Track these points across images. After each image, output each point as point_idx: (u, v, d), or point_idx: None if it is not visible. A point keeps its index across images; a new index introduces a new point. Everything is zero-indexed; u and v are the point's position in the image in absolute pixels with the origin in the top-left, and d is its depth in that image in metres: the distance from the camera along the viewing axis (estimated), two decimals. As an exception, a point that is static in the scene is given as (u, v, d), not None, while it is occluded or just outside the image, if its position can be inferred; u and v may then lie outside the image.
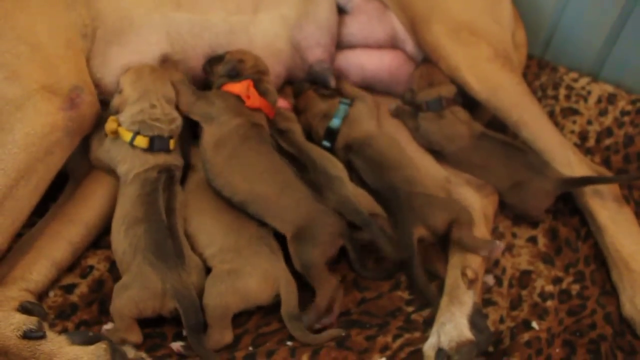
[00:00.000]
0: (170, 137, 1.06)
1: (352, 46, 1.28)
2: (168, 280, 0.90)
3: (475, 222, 1.10)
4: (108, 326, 0.93)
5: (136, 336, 0.91)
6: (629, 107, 1.34)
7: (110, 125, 1.04)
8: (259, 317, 0.98)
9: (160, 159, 1.04)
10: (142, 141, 1.03)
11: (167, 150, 1.06)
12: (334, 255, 0.98)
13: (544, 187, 1.09)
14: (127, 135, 1.04)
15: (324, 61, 1.22)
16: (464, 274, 1.01)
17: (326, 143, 1.17)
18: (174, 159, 1.06)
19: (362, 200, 1.01)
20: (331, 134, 1.16)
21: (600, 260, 1.09)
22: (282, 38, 1.22)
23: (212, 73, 1.13)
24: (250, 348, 0.94)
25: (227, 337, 0.93)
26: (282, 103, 1.20)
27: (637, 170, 1.24)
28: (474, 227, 1.04)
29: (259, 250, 0.96)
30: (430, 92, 1.20)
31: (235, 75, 1.10)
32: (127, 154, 1.04)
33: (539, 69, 1.45)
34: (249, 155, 1.01)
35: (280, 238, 1.01)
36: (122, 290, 0.91)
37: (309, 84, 1.25)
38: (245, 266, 0.93)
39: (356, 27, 1.27)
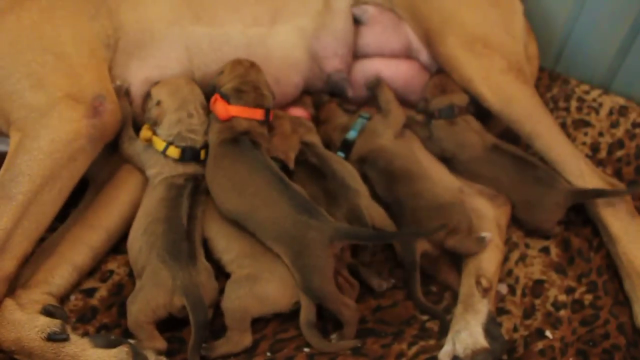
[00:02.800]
0: (202, 148, 1.07)
1: (367, 56, 1.28)
2: (178, 277, 0.90)
3: (489, 231, 1.10)
4: (132, 341, 0.92)
5: (160, 343, 0.92)
6: None
7: (145, 133, 1.07)
8: (276, 323, 0.98)
9: (190, 168, 1.07)
10: (174, 152, 1.06)
11: (198, 160, 1.08)
12: (341, 258, 0.97)
13: (554, 199, 1.09)
14: (160, 145, 1.06)
15: (341, 71, 1.23)
16: (478, 283, 1.01)
17: (341, 154, 1.17)
18: (203, 169, 1.08)
19: (375, 215, 1.01)
20: (346, 146, 1.17)
21: (612, 270, 1.09)
22: (300, 49, 1.22)
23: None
24: (268, 354, 0.94)
25: (247, 340, 0.93)
26: (302, 113, 1.21)
27: None
28: (490, 244, 1.05)
29: (275, 257, 0.96)
30: (442, 100, 1.20)
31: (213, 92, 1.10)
32: (158, 160, 1.06)
33: (551, 81, 1.45)
34: (228, 170, 1.01)
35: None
36: (135, 295, 0.91)
37: (328, 95, 1.26)
38: (263, 272, 0.94)
39: (372, 38, 1.27)
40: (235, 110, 1.06)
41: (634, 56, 1.39)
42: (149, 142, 1.08)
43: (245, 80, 1.09)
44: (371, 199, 1.05)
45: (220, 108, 1.07)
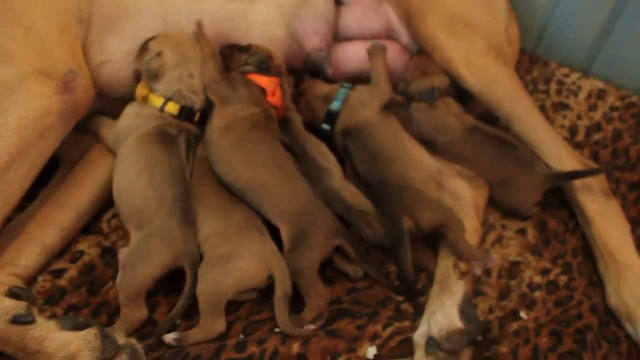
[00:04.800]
0: (198, 111, 1.06)
1: (348, 38, 1.25)
2: (188, 244, 0.89)
3: (467, 213, 1.09)
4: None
5: (145, 312, 0.89)
6: (618, 103, 1.34)
7: (141, 90, 1.04)
8: (250, 305, 0.96)
9: (183, 125, 1.04)
10: (173, 107, 1.04)
11: (192, 122, 1.06)
12: (329, 257, 0.96)
13: (532, 182, 1.08)
14: (158, 102, 1.04)
15: (321, 49, 1.20)
16: (456, 266, 0.99)
17: (326, 126, 1.15)
18: (194, 129, 1.06)
19: (350, 195, 1.00)
20: (331, 117, 1.15)
21: (587, 252, 1.09)
22: (280, 26, 1.19)
23: (233, 59, 1.12)
24: (242, 336, 0.92)
25: (221, 325, 0.90)
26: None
27: (624, 163, 1.24)
28: (467, 226, 1.03)
29: (248, 234, 0.94)
30: (423, 83, 1.18)
31: (265, 68, 1.10)
32: (152, 116, 1.03)
33: (531, 63, 1.44)
34: (255, 143, 1.00)
35: (272, 230, 0.98)
36: (141, 254, 0.88)
37: (308, 75, 1.24)
38: (236, 249, 0.91)
39: (352, 19, 1.25)
40: (281, 102, 1.08)
41: (613, 40, 1.39)
42: (145, 100, 1.05)
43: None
44: (344, 180, 1.03)
45: (279, 96, 1.08)
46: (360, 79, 1.22)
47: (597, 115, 1.31)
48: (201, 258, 0.94)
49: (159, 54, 1.04)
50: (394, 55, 1.23)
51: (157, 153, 0.97)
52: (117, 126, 1.05)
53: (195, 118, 1.06)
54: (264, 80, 1.08)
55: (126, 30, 1.08)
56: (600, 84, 1.36)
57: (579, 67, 1.43)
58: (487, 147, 1.13)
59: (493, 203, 1.15)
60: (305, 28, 1.18)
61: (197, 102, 1.06)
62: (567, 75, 1.39)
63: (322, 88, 1.18)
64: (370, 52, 1.19)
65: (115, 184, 0.98)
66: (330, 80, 1.21)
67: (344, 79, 1.23)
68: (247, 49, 1.12)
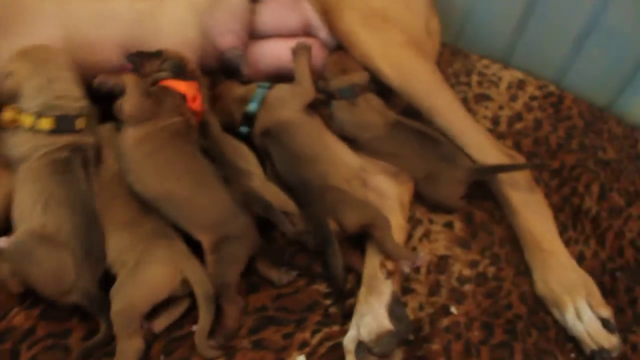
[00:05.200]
0: (77, 116, 0.95)
1: (265, 36, 1.21)
2: (82, 279, 0.84)
3: (391, 210, 1.07)
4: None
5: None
6: (537, 93, 1.36)
7: (7, 115, 0.93)
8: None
9: (69, 139, 0.94)
10: (46, 123, 0.93)
11: (73, 131, 0.95)
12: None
13: (456, 176, 1.08)
14: (28, 120, 0.93)
15: (236, 48, 1.14)
16: (383, 266, 0.97)
17: (244, 129, 1.11)
18: (85, 138, 0.96)
19: (271, 195, 0.97)
20: (249, 119, 1.11)
21: (514, 241, 1.09)
22: (192, 25, 1.14)
23: (144, 67, 1.06)
24: (162, 357, 0.86)
25: (136, 344, 0.84)
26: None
27: (545, 153, 1.25)
28: (393, 223, 1.02)
29: (154, 242, 0.89)
30: (343, 80, 1.15)
31: (180, 73, 1.05)
32: (28, 139, 0.93)
33: (452, 56, 1.43)
34: (173, 154, 0.96)
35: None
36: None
37: (224, 76, 1.19)
38: (142, 258, 0.86)
39: (268, 15, 1.20)
40: (202, 107, 1.04)
41: (530, 32, 1.41)
42: (14, 123, 0.94)
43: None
44: (266, 180, 1.00)
45: (199, 100, 1.03)
46: (279, 78, 1.18)
47: (518, 105, 1.31)
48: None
49: (9, 74, 0.95)
50: (314, 52, 1.19)
51: (50, 186, 0.89)
52: (7, 152, 0.96)
53: (76, 126, 0.95)
54: (182, 86, 1.03)
55: (21, 34, 0.99)
56: (519, 74, 1.37)
57: (498, 58, 1.44)
58: (411, 142, 1.12)
59: (419, 198, 1.14)
60: (219, 26, 1.13)
61: (72, 107, 0.96)
62: (487, 67, 1.39)
63: (238, 89, 1.14)
64: (295, 51, 1.16)
65: (13, 209, 0.91)
66: (246, 81, 1.18)
67: (262, 78, 1.19)
68: (157, 54, 1.07)
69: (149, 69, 1.06)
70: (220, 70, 1.17)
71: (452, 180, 1.09)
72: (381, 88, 1.18)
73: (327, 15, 1.18)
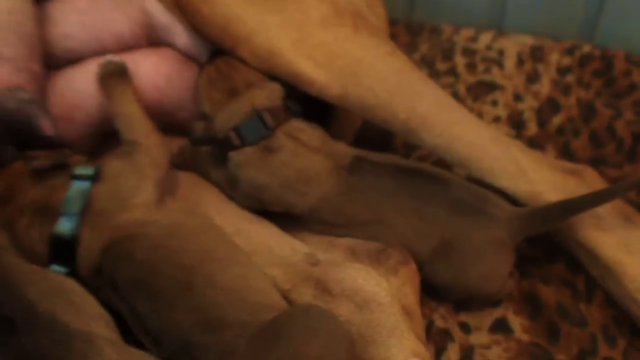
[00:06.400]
0: None
1: (74, 56, 1.01)
2: None
3: (392, 330, 0.81)
4: None
5: None
6: (567, 60, 1.20)
7: None
8: None
9: None
10: None
11: None
12: None
13: (493, 237, 0.88)
14: None
15: (20, 89, 0.92)
16: None
17: (58, 268, 0.85)
18: None
19: None
20: (63, 251, 0.85)
21: (630, 325, 0.86)
22: None
23: None
24: None
25: None
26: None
27: (617, 153, 1.06)
28: (399, 344, 0.79)
29: None
30: (234, 109, 0.94)
31: None
32: None
33: (412, 35, 1.31)
34: None
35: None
36: None
37: (13, 147, 0.95)
38: None
39: (74, 21, 0.99)
40: None
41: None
42: None
43: None
44: (123, 346, 0.77)
45: None
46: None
47: (545, 87, 1.17)
48: None
49: None
50: (169, 70, 0.99)
51: None
52: None
53: None
54: None
55: None
56: (528, 39, 1.24)
57: (485, 22, 1.32)
58: (394, 191, 0.92)
59: (430, 291, 0.93)
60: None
61: None
62: (474, 39, 1.26)
63: (33, 189, 0.90)
64: (102, 83, 0.97)
65: None
66: (47, 161, 0.94)
67: (87, 141, 0.99)
68: None
69: None
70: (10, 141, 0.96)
71: (486, 246, 0.88)
72: (309, 105, 0.99)
73: (183, 3, 0.97)
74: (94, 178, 0.86)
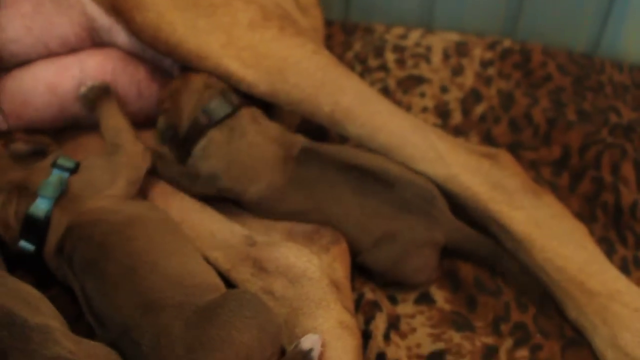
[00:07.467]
0: None
1: (21, 60, 1.02)
2: None
3: (320, 302, 0.84)
4: None
5: None
6: (489, 54, 1.25)
7: None
8: None
9: None
10: None
11: None
12: None
13: (434, 237, 0.93)
14: None
15: None
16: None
17: (26, 245, 0.88)
18: None
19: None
20: (34, 229, 0.88)
21: (541, 294, 0.92)
22: None
23: None
24: None
25: None
26: None
27: (534, 138, 1.11)
28: (326, 315, 0.82)
29: None
30: (202, 94, 0.98)
31: None
32: None
33: (347, 34, 1.34)
34: None
35: None
36: None
37: None
38: None
39: (19, 26, 1.00)
40: None
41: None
42: None
43: None
44: (76, 338, 0.76)
45: None
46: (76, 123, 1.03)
47: (468, 79, 1.21)
48: None
49: None
50: (111, 68, 1.03)
51: None
52: None
53: None
54: None
55: None
56: (454, 36, 1.29)
57: (414, 21, 1.36)
58: (334, 182, 0.95)
59: (360, 270, 0.95)
60: None
61: None
62: (404, 37, 1.30)
63: (12, 172, 0.93)
64: (90, 105, 1.00)
65: None
66: (27, 148, 0.98)
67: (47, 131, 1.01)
68: None
69: None
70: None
71: (427, 244, 0.93)
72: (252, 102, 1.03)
73: (117, 5, 0.98)
74: (73, 171, 0.90)
